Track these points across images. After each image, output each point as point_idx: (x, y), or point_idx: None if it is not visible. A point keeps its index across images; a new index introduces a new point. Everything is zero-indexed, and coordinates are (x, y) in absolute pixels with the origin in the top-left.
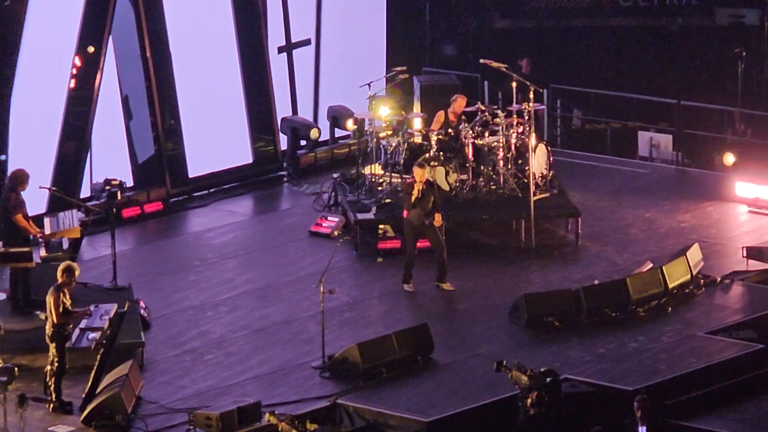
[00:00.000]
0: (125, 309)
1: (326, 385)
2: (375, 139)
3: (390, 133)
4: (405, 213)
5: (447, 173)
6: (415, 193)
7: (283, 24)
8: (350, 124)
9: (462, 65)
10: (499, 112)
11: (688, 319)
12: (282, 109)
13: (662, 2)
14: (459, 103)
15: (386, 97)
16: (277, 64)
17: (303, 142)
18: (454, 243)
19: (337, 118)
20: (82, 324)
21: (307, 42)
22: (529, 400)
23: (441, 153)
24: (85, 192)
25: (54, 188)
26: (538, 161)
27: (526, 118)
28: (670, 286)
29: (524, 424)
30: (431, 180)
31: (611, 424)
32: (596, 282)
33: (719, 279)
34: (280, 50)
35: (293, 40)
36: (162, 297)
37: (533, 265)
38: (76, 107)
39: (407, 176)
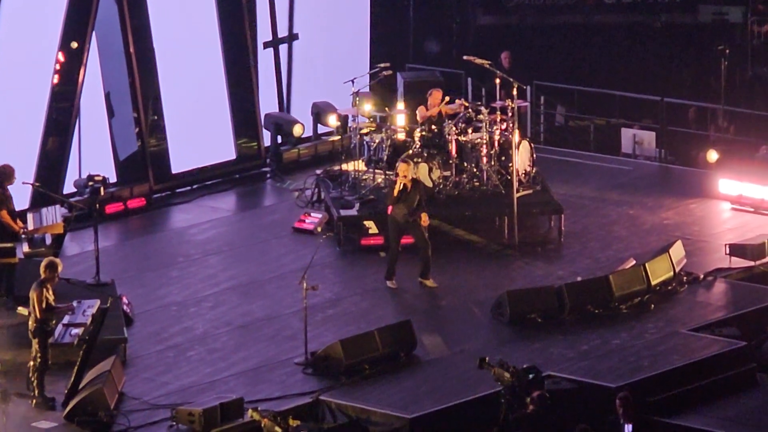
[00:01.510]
0: (108, 305)
1: (309, 381)
2: (358, 136)
3: (373, 128)
4: (389, 209)
5: (430, 170)
6: (397, 187)
7: (269, 19)
8: (333, 121)
9: (445, 62)
10: (482, 108)
11: (671, 316)
12: (267, 106)
13: None
14: (435, 96)
15: (369, 94)
16: (263, 59)
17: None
18: (437, 240)
19: (320, 114)
20: (65, 320)
21: (294, 37)
22: (529, 399)
23: (424, 149)
24: (68, 188)
25: (37, 184)
26: (522, 158)
27: (510, 114)
28: (653, 283)
29: (520, 421)
30: (417, 178)
31: (594, 420)
32: (579, 279)
33: (702, 276)
34: (266, 45)
35: (279, 36)
36: (145, 293)
37: (516, 261)
38: (60, 103)
39: (390, 173)
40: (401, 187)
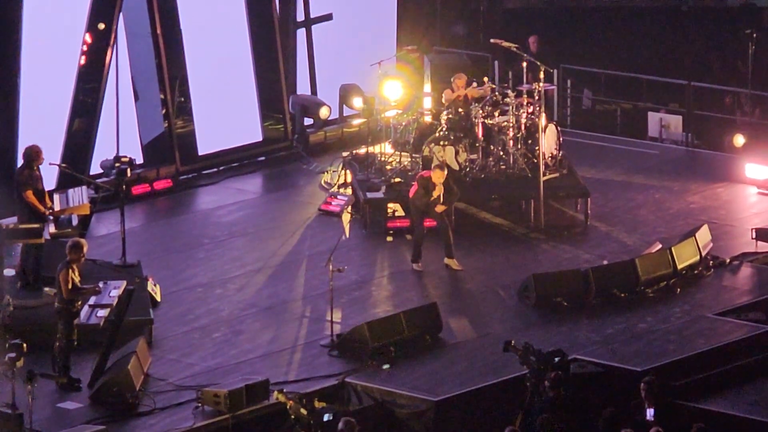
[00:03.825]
0: (134, 286)
1: (335, 363)
2: (384, 118)
3: (400, 112)
4: (411, 192)
5: (457, 153)
6: (435, 195)
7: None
8: (359, 103)
9: (472, 44)
10: (509, 91)
11: (697, 300)
12: (298, 87)
13: None
14: (458, 83)
15: (396, 76)
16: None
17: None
18: (464, 223)
19: (346, 96)
20: (91, 301)
21: (328, 17)
22: (547, 382)
23: (451, 132)
24: (94, 169)
25: (64, 165)
26: (548, 141)
27: (537, 98)
28: (679, 267)
29: (544, 406)
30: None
31: (619, 404)
32: (605, 262)
33: (728, 260)
34: (298, 26)
35: (312, 15)
36: (171, 274)
37: (542, 245)
38: (86, 84)
39: (416, 155)
40: (436, 197)
